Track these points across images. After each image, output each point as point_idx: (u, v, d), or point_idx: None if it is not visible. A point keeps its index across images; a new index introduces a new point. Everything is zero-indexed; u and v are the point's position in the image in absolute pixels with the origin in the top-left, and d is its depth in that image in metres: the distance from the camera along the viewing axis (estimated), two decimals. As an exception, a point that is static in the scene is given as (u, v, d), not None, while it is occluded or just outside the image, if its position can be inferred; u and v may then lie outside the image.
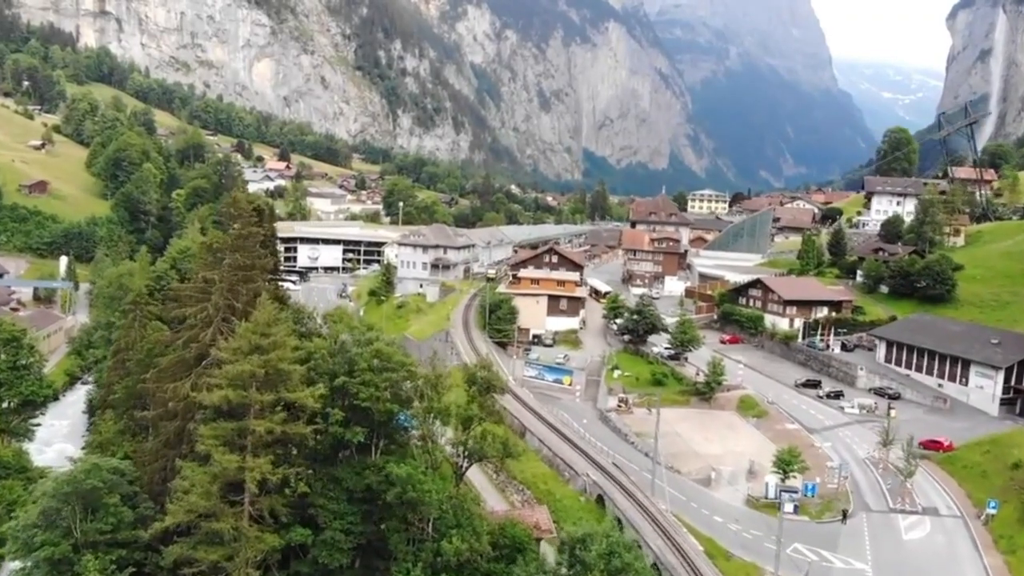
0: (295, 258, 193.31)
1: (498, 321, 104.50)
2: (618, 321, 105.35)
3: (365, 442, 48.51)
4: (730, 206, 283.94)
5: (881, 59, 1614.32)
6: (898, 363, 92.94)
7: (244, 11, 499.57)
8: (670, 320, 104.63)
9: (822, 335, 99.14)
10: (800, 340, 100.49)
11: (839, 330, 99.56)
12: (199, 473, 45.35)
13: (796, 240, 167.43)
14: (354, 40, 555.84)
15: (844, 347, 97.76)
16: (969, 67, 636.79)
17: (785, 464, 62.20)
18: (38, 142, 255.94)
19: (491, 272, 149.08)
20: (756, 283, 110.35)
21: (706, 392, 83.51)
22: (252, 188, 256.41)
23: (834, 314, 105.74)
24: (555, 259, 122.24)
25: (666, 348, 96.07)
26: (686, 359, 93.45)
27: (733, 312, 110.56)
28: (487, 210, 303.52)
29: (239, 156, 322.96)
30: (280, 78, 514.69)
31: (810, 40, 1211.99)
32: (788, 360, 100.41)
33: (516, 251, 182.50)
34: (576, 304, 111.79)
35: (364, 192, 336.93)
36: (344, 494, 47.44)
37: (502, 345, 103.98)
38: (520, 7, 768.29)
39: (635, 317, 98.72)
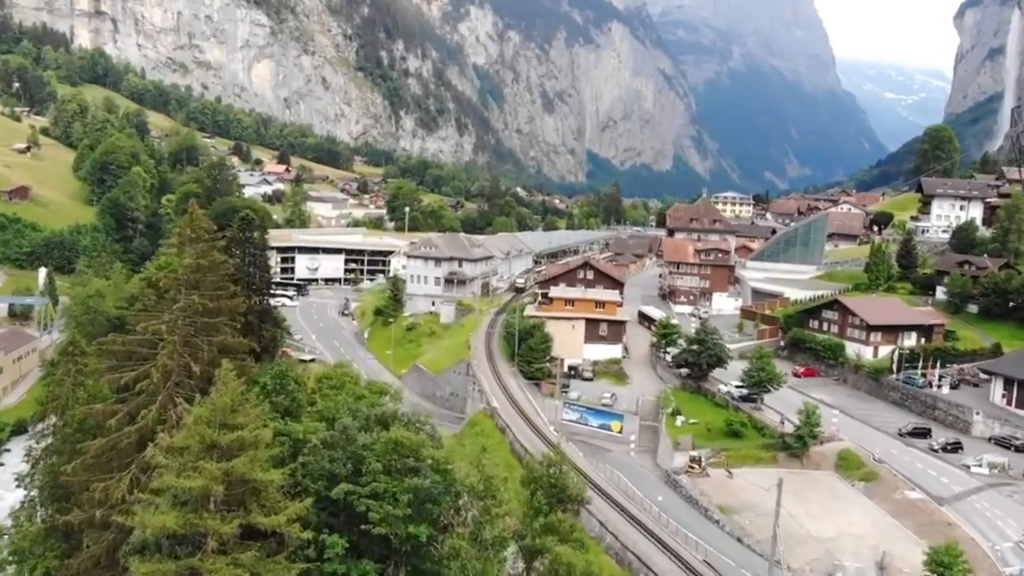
0: (293, 269, 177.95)
1: (529, 352, 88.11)
2: (671, 351, 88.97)
3: (380, 577, 32.81)
4: (753, 208, 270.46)
5: (882, 59, 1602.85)
6: (1019, 405, 76.67)
7: (243, 11, 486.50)
8: (731, 348, 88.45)
9: (922, 369, 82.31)
10: (894, 375, 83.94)
11: (945, 363, 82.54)
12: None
13: (847, 249, 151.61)
14: (355, 40, 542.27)
15: (952, 385, 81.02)
16: (978, 66, 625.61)
17: (944, 568, 46.08)
18: (23, 145, 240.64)
19: (520, 281, 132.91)
20: (833, 304, 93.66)
21: (796, 447, 66.99)
22: (249, 192, 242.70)
23: (923, 341, 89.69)
24: (591, 275, 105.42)
25: (736, 387, 78.98)
26: (762, 401, 76.69)
27: (805, 338, 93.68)
28: (495, 214, 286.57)
29: (236, 159, 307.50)
30: (280, 79, 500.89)
31: (813, 41, 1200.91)
32: (879, 399, 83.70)
33: (537, 261, 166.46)
34: (618, 329, 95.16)
35: (367, 196, 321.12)
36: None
37: (535, 380, 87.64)
38: (522, 8, 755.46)
39: (695, 347, 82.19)
